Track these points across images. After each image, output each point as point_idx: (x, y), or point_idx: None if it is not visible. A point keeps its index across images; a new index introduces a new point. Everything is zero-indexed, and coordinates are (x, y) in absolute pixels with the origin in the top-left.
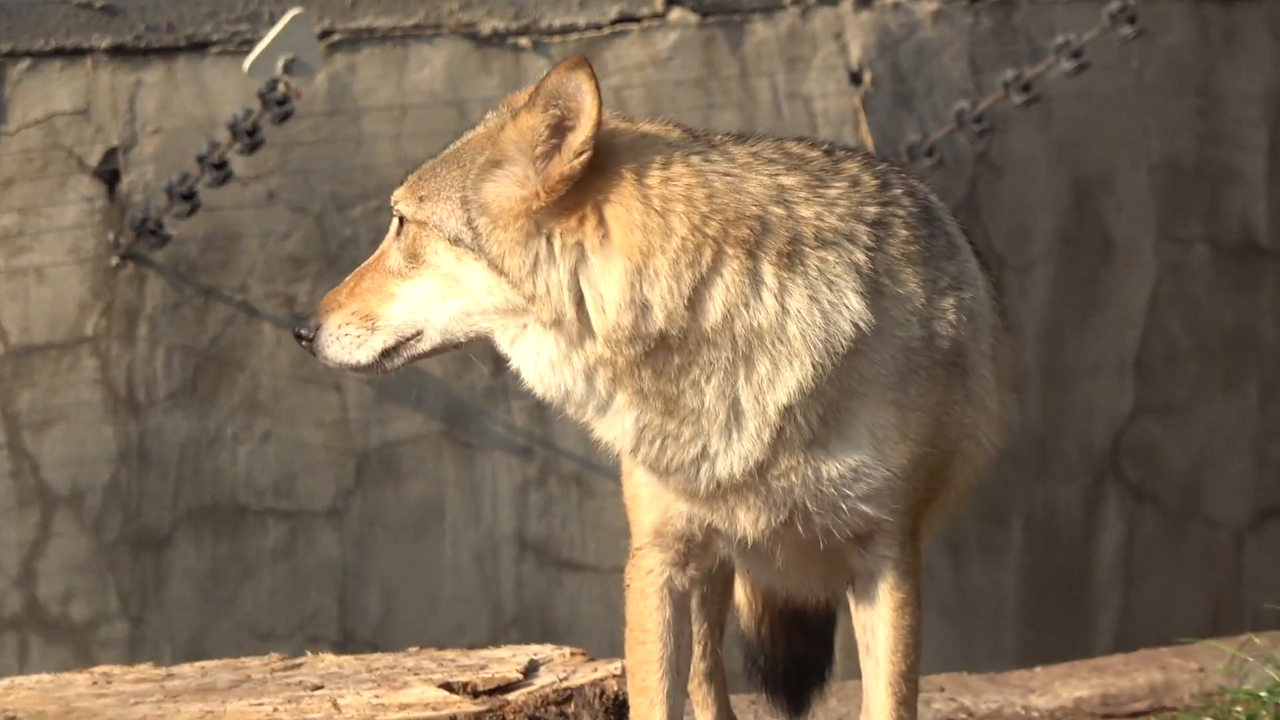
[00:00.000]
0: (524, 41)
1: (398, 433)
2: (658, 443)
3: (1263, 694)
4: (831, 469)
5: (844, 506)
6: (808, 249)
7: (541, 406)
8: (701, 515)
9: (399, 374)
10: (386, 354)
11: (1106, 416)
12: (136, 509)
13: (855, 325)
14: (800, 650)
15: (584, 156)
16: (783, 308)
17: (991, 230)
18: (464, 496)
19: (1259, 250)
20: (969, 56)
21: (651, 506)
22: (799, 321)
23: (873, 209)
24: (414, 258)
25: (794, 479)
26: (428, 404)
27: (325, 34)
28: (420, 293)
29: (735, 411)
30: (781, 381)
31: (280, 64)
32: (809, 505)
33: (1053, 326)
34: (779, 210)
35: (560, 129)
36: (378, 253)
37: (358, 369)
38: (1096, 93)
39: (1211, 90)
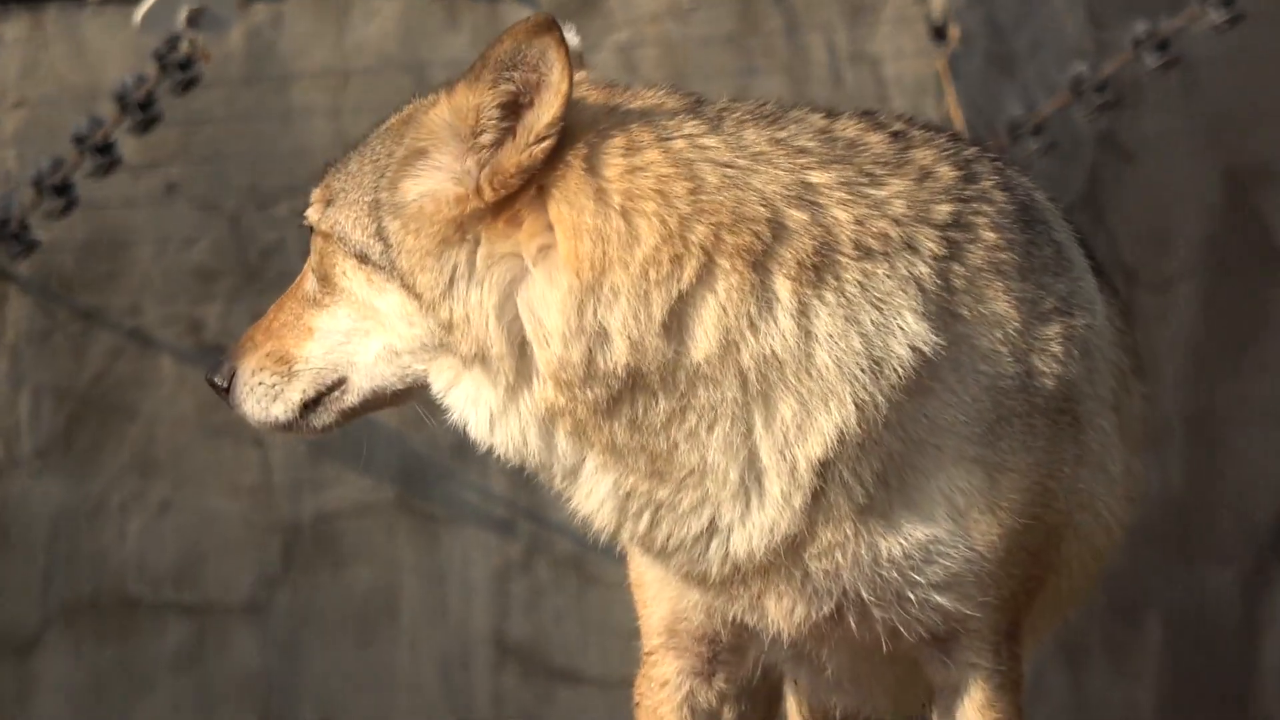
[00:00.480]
0: None
1: (338, 501)
2: (646, 515)
3: None
4: (894, 546)
5: (913, 597)
6: (844, 260)
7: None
8: (722, 607)
9: (349, 427)
10: (308, 408)
11: (1272, 480)
12: None
13: (915, 349)
14: None
15: (546, 143)
16: (805, 332)
17: (1118, 235)
18: (425, 585)
19: None
20: (1088, 6)
21: (660, 596)
22: (831, 348)
23: (945, 208)
24: (325, 280)
25: (840, 558)
26: (378, 463)
27: None
28: (339, 326)
29: (752, 469)
30: (815, 428)
31: (183, 14)
32: (864, 594)
33: (1200, 363)
34: (799, 214)
35: (514, 107)
36: (299, 278)
37: (279, 428)
38: (1257, 53)
39: None
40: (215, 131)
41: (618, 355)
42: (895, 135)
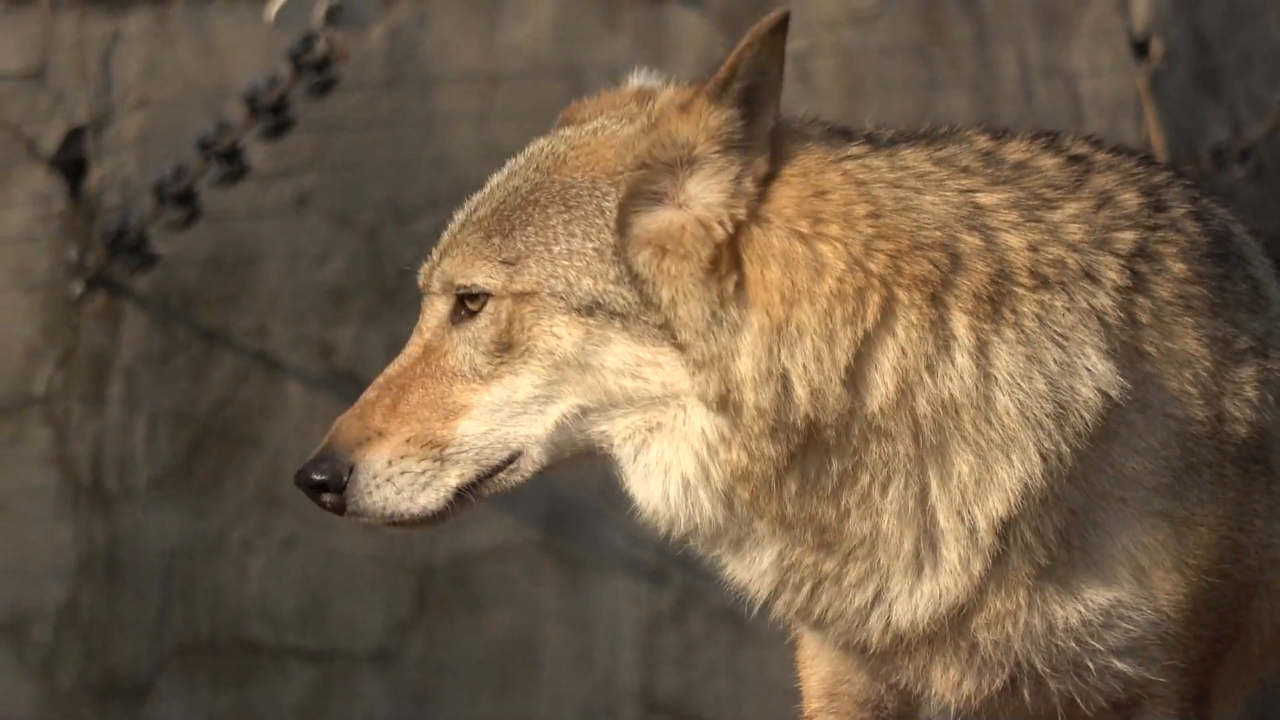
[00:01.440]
0: None
1: (477, 542)
2: (807, 587)
3: None
4: (1071, 614)
5: (1092, 665)
6: (1020, 290)
7: None
8: (886, 672)
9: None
10: (462, 494)
11: None
12: (103, 643)
13: (1102, 393)
14: None
15: (768, 154)
16: (984, 373)
17: None
18: (569, 634)
19: None
20: None
21: (821, 656)
22: (1013, 391)
23: (1129, 235)
24: (507, 348)
25: (1011, 629)
26: (522, 502)
27: None
28: (516, 396)
29: (928, 536)
30: (996, 483)
31: (320, 10)
32: (1038, 664)
33: None
34: (973, 238)
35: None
36: (415, 352)
37: (417, 521)
38: None
39: None
40: (352, 139)
41: (799, 404)
42: (1074, 159)
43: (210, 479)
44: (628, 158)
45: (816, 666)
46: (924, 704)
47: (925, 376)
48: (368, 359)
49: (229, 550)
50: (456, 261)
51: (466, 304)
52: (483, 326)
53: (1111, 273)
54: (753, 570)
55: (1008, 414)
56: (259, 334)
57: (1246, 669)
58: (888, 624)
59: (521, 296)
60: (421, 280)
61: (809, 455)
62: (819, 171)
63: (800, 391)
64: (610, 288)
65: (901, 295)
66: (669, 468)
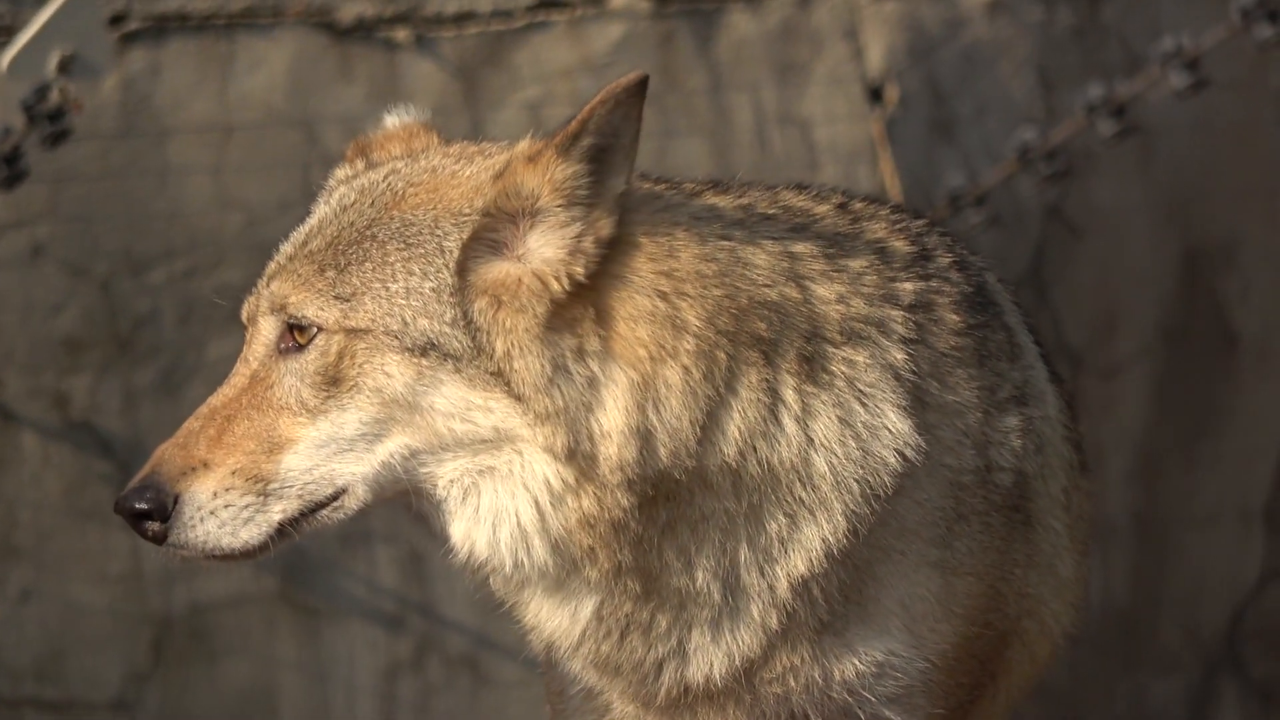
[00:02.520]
0: (401, 35)
1: (213, 593)
2: (614, 636)
3: None
4: (848, 667)
5: (862, 714)
6: (830, 349)
7: (418, 559)
8: None
9: None
10: (284, 529)
11: (1223, 586)
12: None
13: (901, 455)
14: None
15: (616, 216)
16: (807, 438)
17: (1064, 316)
18: (307, 683)
19: None
20: (1038, 67)
21: (583, 709)
22: (829, 456)
23: (909, 285)
24: (335, 382)
25: (793, 682)
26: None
27: (118, 19)
28: (344, 434)
29: (733, 590)
30: (800, 544)
31: (54, 60)
32: (811, 715)
33: (1149, 457)
34: (793, 290)
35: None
36: (241, 382)
37: (237, 555)
38: (1219, 122)
39: None
40: (86, 189)
41: (660, 459)
42: (841, 206)
43: None
44: (476, 201)
45: (576, 718)
46: None
47: (759, 441)
48: (102, 409)
49: None
50: (288, 288)
51: (295, 335)
52: (311, 360)
53: (899, 325)
54: (568, 617)
55: (823, 479)
56: None
57: (990, 715)
58: (681, 677)
59: (354, 333)
60: (246, 312)
61: (654, 508)
62: (668, 232)
63: (662, 448)
64: (446, 329)
65: (744, 354)
66: (501, 513)
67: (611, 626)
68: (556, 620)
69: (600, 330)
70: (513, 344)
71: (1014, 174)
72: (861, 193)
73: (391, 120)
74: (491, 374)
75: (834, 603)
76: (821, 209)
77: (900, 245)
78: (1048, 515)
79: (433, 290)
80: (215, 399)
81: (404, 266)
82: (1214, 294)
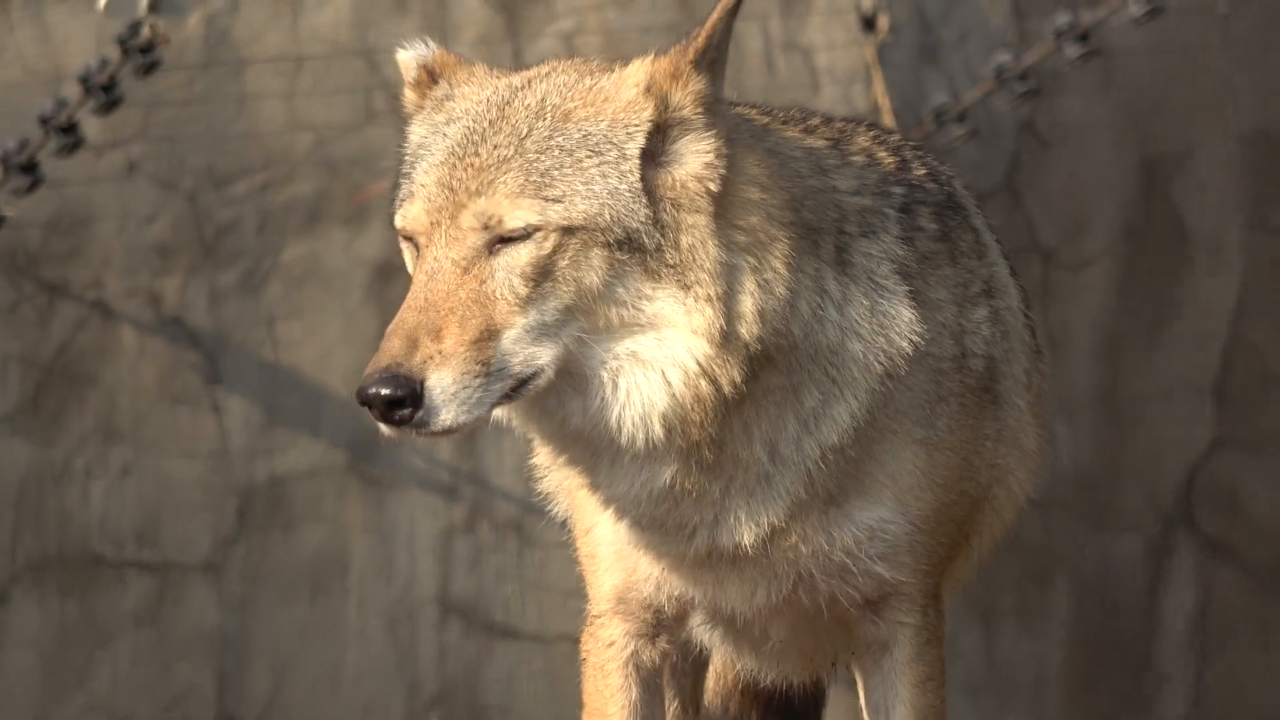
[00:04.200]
0: None
1: (291, 466)
2: (673, 500)
3: None
4: (846, 533)
5: (856, 570)
6: (851, 240)
7: (470, 435)
8: (675, 584)
9: (296, 388)
10: (498, 404)
11: (1178, 453)
12: None
13: (911, 341)
14: None
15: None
16: (844, 323)
17: (1037, 218)
18: (373, 546)
19: None
20: None
21: (615, 568)
22: (858, 340)
23: (898, 190)
24: (546, 275)
25: (804, 549)
26: (328, 430)
27: None
28: (546, 319)
29: (774, 460)
30: (832, 418)
31: (145, 1)
32: (815, 574)
33: (1112, 341)
34: (821, 182)
35: None
36: (451, 279)
37: (465, 431)
38: (1173, 45)
39: None
40: (174, 113)
41: (767, 337)
42: (827, 120)
43: (55, 414)
44: (640, 114)
45: (610, 576)
46: (700, 612)
47: (814, 324)
48: (191, 306)
49: (73, 477)
50: (496, 201)
51: (502, 239)
52: (526, 255)
53: (895, 224)
54: (642, 484)
55: (854, 361)
56: (95, 286)
57: (966, 569)
58: (714, 542)
59: (569, 230)
60: (429, 217)
61: (746, 384)
62: (741, 133)
63: (770, 328)
64: (641, 226)
65: (803, 244)
66: (639, 391)
67: (680, 493)
68: (628, 485)
69: (736, 222)
70: (695, 240)
71: (991, 92)
72: (839, 115)
73: (405, 55)
74: (670, 266)
75: (841, 477)
76: (814, 121)
77: (883, 155)
78: (1013, 394)
79: (629, 191)
80: (426, 295)
81: (599, 171)
82: (1169, 197)
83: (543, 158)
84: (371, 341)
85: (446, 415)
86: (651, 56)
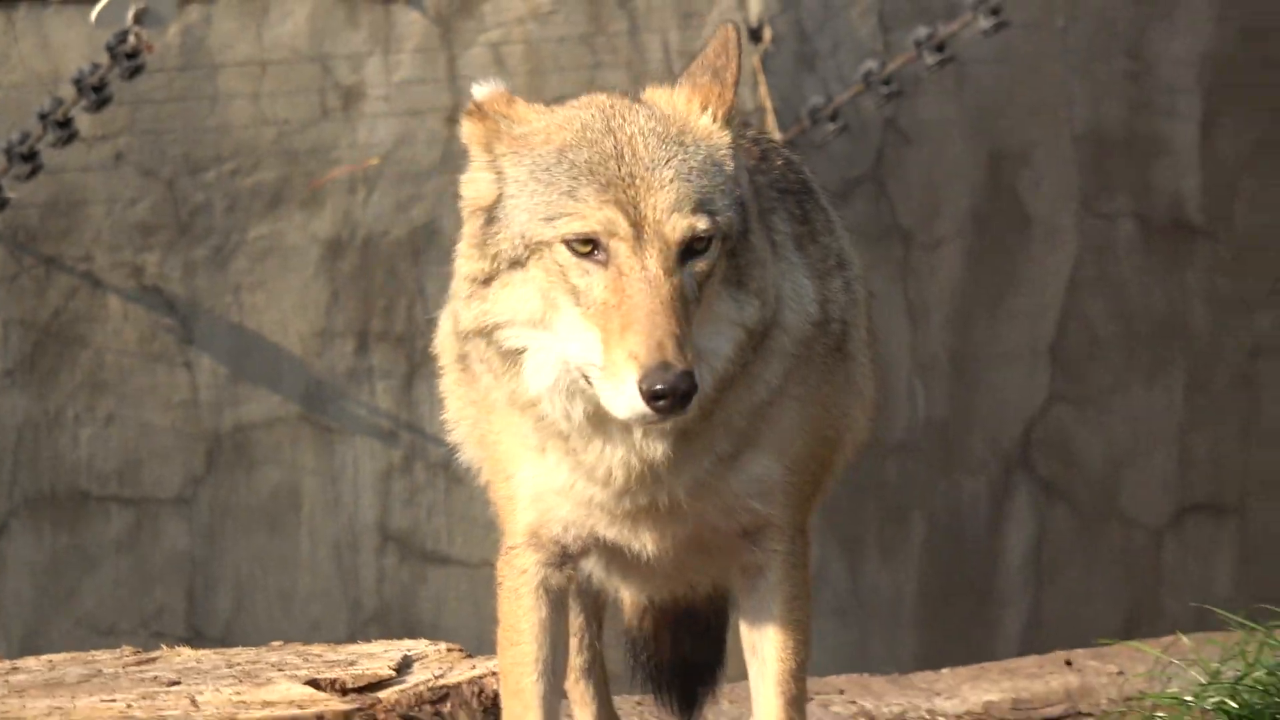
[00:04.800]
0: None
1: (251, 415)
2: (651, 468)
3: (1188, 698)
4: (737, 480)
5: (739, 509)
6: (770, 217)
7: (408, 387)
8: (588, 527)
9: (257, 348)
10: None
11: (1018, 407)
12: None
13: (815, 311)
14: (687, 648)
15: None
16: (780, 293)
17: (898, 203)
18: (322, 484)
19: (1189, 228)
20: (879, 13)
21: (531, 509)
22: (790, 310)
23: (766, 179)
24: (709, 276)
25: (712, 497)
26: (285, 385)
27: None
28: (716, 311)
29: (726, 425)
30: (764, 381)
31: (130, 14)
32: (711, 515)
33: (962, 309)
34: (752, 161)
35: None
36: (674, 285)
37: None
38: (1017, 55)
39: (1143, 53)
40: (155, 110)
41: (772, 311)
42: None
43: (49, 370)
44: (723, 137)
45: (524, 513)
46: (601, 549)
47: (771, 288)
48: (168, 277)
49: (64, 424)
50: (693, 217)
51: (694, 245)
52: (710, 260)
53: (785, 208)
54: (641, 453)
55: (786, 330)
56: (86, 259)
57: (818, 502)
58: (653, 498)
59: (725, 237)
60: (623, 230)
61: None
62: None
63: (773, 308)
64: (738, 234)
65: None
66: (701, 377)
67: (662, 460)
68: (625, 454)
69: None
70: (760, 243)
71: (860, 95)
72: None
73: (480, 90)
74: (734, 267)
75: (743, 431)
76: None
77: (751, 148)
78: (858, 352)
79: (738, 199)
80: (657, 301)
81: (724, 188)
82: (1013, 186)
83: (695, 177)
84: (323, 307)
85: (698, 398)
86: (692, 89)
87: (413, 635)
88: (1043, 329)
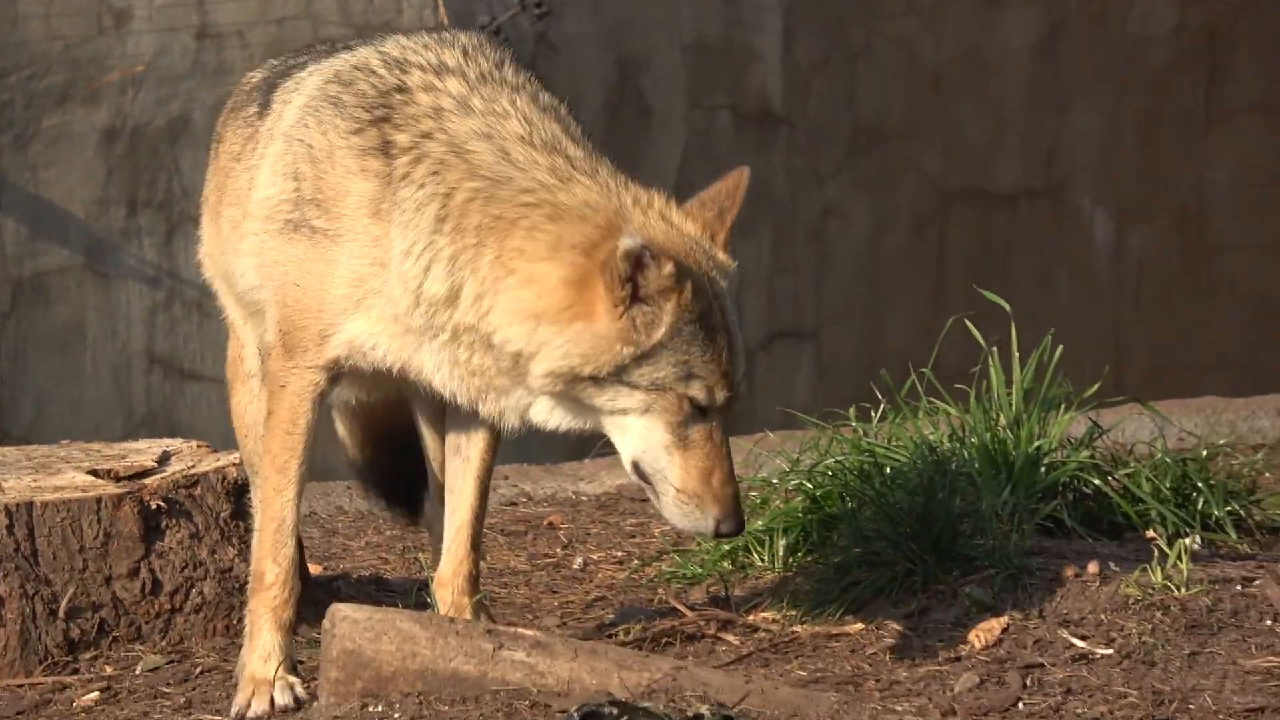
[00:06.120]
0: None
1: (47, 265)
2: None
3: (774, 481)
4: None
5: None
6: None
7: (170, 240)
8: (382, 360)
9: (50, 213)
10: None
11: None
12: None
13: None
14: (401, 464)
15: None
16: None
17: None
18: (102, 319)
19: (774, 117)
20: None
21: (344, 348)
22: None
23: None
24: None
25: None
26: (72, 241)
27: None
28: None
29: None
30: None
31: None
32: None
33: None
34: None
35: None
36: (726, 447)
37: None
38: None
39: None
40: None
41: None
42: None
43: None
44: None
45: (333, 351)
46: (373, 374)
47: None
48: None
49: None
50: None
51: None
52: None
53: None
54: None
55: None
56: None
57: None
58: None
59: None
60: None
61: None
62: None
63: None
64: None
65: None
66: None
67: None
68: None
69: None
70: None
71: (517, 15)
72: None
73: (633, 243)
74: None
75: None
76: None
77: None
78: None
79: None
80: (729, 461)
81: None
82: (637, 87)
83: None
84: (101, 180)
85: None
86: (706, 226)
87: (172, 436)
88: None
